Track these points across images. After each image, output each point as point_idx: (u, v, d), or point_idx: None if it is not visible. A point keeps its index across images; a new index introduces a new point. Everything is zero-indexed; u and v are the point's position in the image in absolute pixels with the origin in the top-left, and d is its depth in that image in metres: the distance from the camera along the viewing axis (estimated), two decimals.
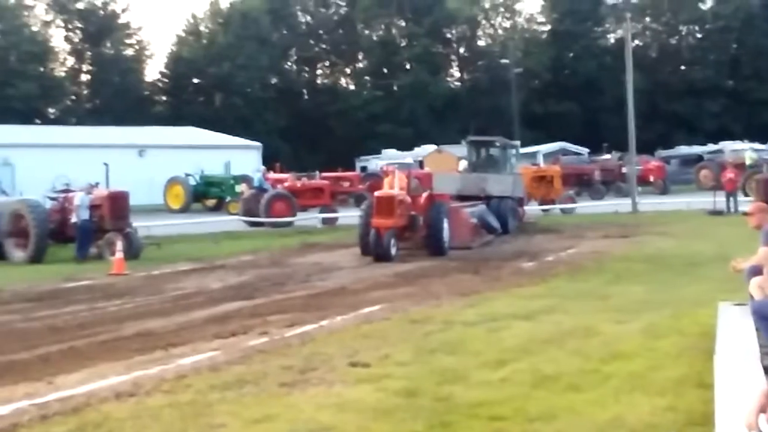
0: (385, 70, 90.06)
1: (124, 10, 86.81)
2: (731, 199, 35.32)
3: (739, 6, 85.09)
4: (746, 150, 54.50)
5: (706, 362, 8.32)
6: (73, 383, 9.07)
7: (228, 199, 45.87)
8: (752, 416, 4.10)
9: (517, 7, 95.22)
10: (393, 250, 21.84)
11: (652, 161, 56.36)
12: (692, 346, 9.70)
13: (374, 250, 21.82)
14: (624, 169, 49.64)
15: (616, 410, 7.29)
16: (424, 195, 24.19)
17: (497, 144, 33.51)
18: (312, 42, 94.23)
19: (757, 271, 8.88)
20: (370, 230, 22.10)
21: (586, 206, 41.32)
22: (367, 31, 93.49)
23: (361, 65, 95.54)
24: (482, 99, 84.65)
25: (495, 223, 27.68)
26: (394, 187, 23.48)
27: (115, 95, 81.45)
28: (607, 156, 57.18)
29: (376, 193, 23.60)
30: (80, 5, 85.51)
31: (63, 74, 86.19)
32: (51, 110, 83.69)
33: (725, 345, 7.93)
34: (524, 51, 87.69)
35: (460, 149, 40.92)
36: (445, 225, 23.13)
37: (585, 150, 66.96)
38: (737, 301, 9.65)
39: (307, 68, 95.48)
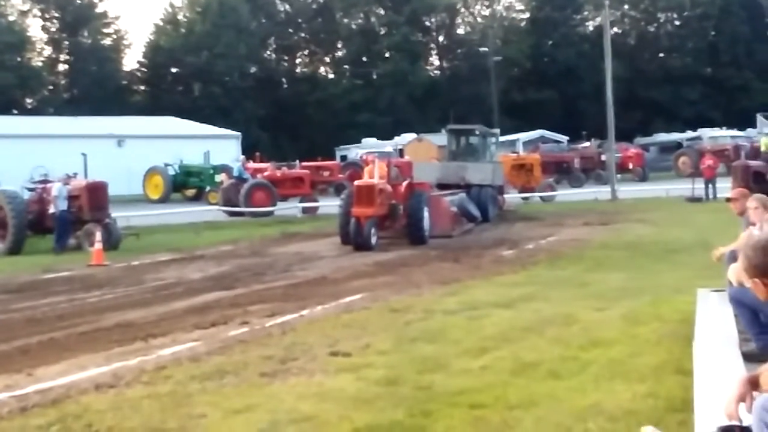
0: (365, 59, 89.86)
1: None
2: (710, 186, 35.49)
3: None
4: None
5: (685, 349, 8.35)
6: (52, 375, 9.04)
7: (208, 188, 45.72)
8: (732, 405, 4.10)
9: None
10: (373, 239, 21.86)
11: (631, 149, 56.54)
12: (671, 332, 9.73)
13: (354, 239, 21.82)
14: (603, 157, 49.82)
15: (596, 397, 7.31)
16: (404, 184, 24.19)
17: (477, 132, 33.56)
18: (291, 30, 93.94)
19: (736, 256, 8.91)
20: (350, 219, 22.10)
21: (565, 194, 41.46)
22: (346, 20, 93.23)
23: (340, 54, 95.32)
24: (462, 87, 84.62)
25: (475, 211, 27.74)
26: (374, 176, 23.46)
27: (93, 85, 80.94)
28: (587, 144, 57.34)
29: (356, 183, 23.59)
30: None
31: (40, 64, 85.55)
32: (28, 100, 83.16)
33: (704, 331, 7.97)
34: (503, 39, 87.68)
35: (441, 138, 40.95)
36: (426, 214, 23.15)
37: (564, 138, 67.11)
38: (716, 288, 9.69)
39: (286, 57, 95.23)
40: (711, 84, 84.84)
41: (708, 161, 37.06)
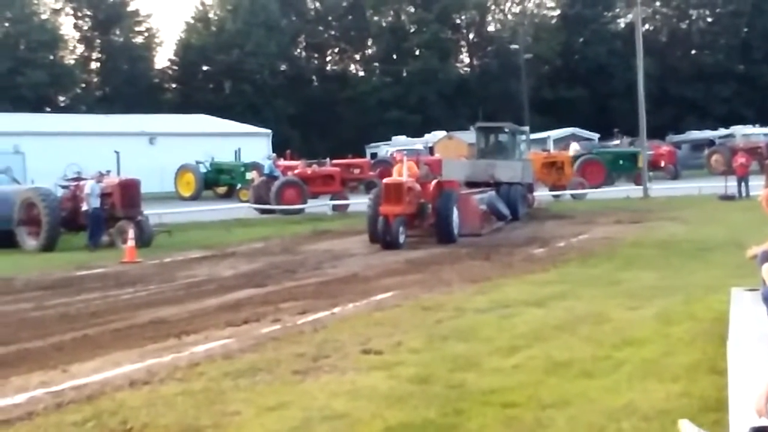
0: (395, 57, 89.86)
1: None
2: (742, 184, 35.21)
3: None
4: None
5: (719, 348, 8.30)
6: (87, 371, 9.11)
7: (239, 186, 45.91)
8: (761, 401, 4.10)
9: None
10: (401, 238, 21.76)
11: (663, 146, 56.16)
12: (705, 331, 9.69)
13: (383, 237, 21.74)
14: None
15: (629, 397, 7.29)
16: (433, 182, 24.09)
17: (506, 130, 33.34)
18: (321, 28, 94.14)
19: None
20: (378, 217, 22.07)
21: (597, 192, 41.27)
22: (376, 17, 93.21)
23: (370, 51, 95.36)
24: (492, 85, 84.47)
25: (504, 209, 27.57)
26: (403, 174, 23.43)
27: (125, 83, 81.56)
28: (618, 141, 57.02)
29: (385, 180, 23.54)
30: None
31: (73, 62, 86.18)
32: (61, 98, 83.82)
33: (738, 331, 7.91)
34: (534, 36, 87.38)
35: (471, 135, 40.83)
36: (455, 213, 23.05)
37: (596, 135, 66.79)
38: (750, 287, 9.61)
39: (316, 55, 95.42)
40: (743, 81, 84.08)
41: (741, 159, 36.76)
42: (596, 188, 41.90)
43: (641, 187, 40.30)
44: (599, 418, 6.77)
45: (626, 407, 6.99)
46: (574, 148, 48.53)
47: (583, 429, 6.56)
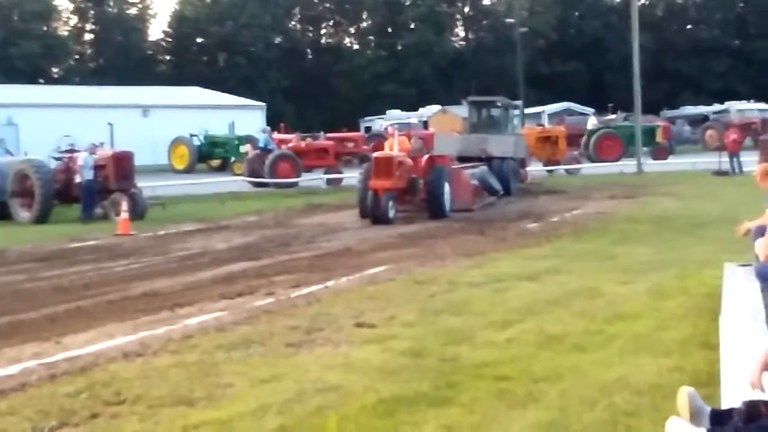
0: (390, 30, 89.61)
1: None
2: (734, 159, 35.20)
3: None
4: None
5: (711, 323, 8.33)
6: (80, 343, 9.12)
7: (233, 159, 45.80)
8: (756, 375, 4.12)
9: None
10: (391, 213, 21.54)
11: (657, 121, 56.05)
12: (698, 306, 9.71)
13: (372, 212, 21.51)
14: None
15: (622, 371, 7.31)
16: (425, 157, 23.93)
17: (498, 104, 33.11)
18: (316, 1, 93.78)
19: (763, 231, 8.85)
20: (368, 192, 21.96)
21: (591, 167, 41.25)
22: None
23: (365, 25, 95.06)
24: (487, 59, 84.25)
25: (496, 184, 27.48)
26: (394, 148, 23.28)
27: (119, 55, 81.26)
28: (613, 116, 56.88)
29: (375, 155, 23.30)
30: None
31: (66, 33, 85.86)
32: (54, 70, 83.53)
33: (731, 306, 7.94)
34: (529, 10, 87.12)
35: (465, 110, 40.75)
36: (446, 188, 22.91)
37: (590, 110, 66.62)
38: (743, 262, 9.64)
39: (311, 27, 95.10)
40: (739, 56, 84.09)
41: (732, 135, 36.70)
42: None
43: (635, 162, 40.25)
44: (591, 391, 6.80)
45: (618, 381, 7.01)
46: (592, 122, 48.40)
47: (575, 402, 6.58)
